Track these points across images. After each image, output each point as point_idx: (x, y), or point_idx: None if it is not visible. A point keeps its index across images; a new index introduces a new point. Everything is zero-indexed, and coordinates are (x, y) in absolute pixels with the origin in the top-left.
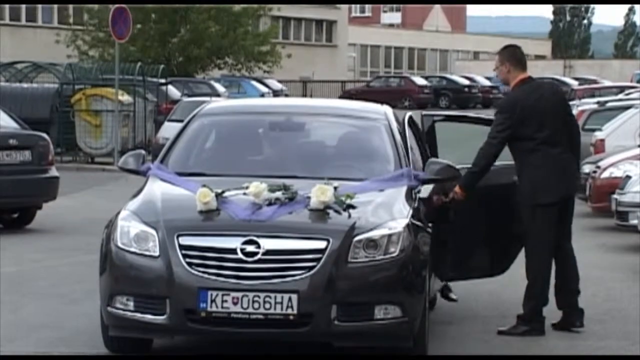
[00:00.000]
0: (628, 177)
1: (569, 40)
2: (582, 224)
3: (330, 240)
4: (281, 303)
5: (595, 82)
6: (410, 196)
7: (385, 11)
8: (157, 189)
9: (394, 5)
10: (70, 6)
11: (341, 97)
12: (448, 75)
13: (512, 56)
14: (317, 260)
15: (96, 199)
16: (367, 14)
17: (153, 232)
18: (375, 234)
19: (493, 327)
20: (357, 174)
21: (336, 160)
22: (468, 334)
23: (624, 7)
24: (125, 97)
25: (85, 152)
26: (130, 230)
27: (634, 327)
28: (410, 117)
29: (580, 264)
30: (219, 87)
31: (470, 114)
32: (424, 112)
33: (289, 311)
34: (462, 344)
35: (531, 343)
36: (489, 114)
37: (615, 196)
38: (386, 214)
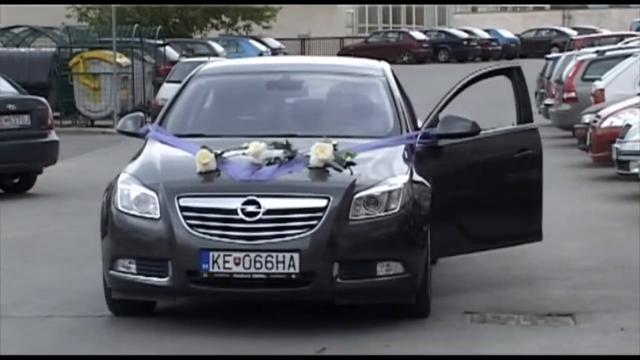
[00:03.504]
0: (628, 126)
1: None
2: (583, 174)
3: (331, 198)
4: (283, 262)
5: (594, 31)
6: (410, 152)
7: None
8: (156, 151)
9: None
10: None
11: (339, 54)
12: (447, 29)
13: None
14: (318, 218)
15: (96, 162)
16: None
17: (153, 194)
18: (375, 190)
19: (496, 279)
20: (356, 132)
21: (335, 117)
22: (468, 289)
23: None
24: (123, 60)
25: (84, 115)
26: (131, 193)
27: (636, 276)
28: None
29: (581, 213)
30: (217, 47)
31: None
32: None
33: (291, 270)
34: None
35: (534, 294)
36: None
37: (615, 145)
38: (386, 171)
